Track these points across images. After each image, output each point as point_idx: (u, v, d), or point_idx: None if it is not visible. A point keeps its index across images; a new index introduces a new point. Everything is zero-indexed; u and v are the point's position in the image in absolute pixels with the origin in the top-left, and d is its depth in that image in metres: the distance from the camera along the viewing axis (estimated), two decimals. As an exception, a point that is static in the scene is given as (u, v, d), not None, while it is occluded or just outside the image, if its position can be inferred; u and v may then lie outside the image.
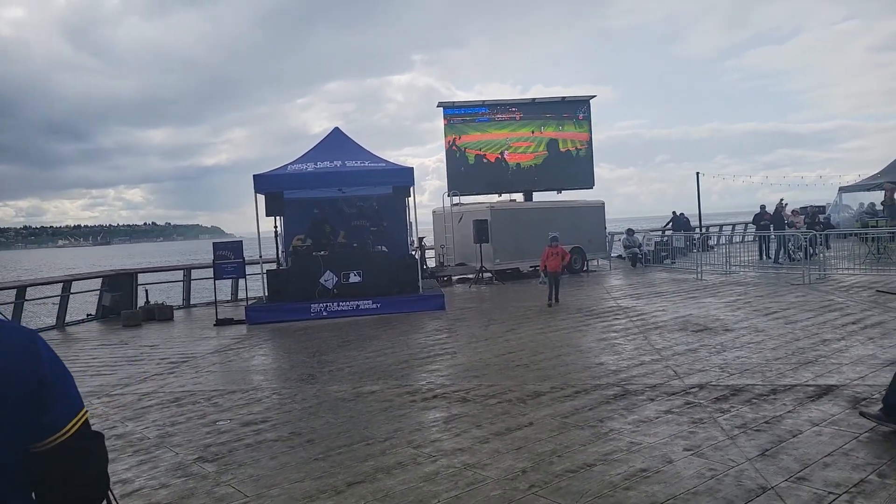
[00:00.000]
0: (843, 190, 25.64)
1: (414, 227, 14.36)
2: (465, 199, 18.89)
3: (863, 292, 11.26)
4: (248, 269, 13.75)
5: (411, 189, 13.39)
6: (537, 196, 20.37)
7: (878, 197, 20.34)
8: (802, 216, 20.13)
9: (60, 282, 13.99)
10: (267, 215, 12.94)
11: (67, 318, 13.63)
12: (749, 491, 3.57)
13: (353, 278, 12.66)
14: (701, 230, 23.45)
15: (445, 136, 19.59)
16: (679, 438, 4.47)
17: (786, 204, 18.85)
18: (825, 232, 17.74)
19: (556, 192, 20.40)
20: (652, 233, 22.55)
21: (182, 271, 16.49)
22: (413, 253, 14.54)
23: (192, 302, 15.94)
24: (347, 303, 12.24)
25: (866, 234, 16.75)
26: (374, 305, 12.26)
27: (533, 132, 20.17)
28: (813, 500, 3.43)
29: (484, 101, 20.25)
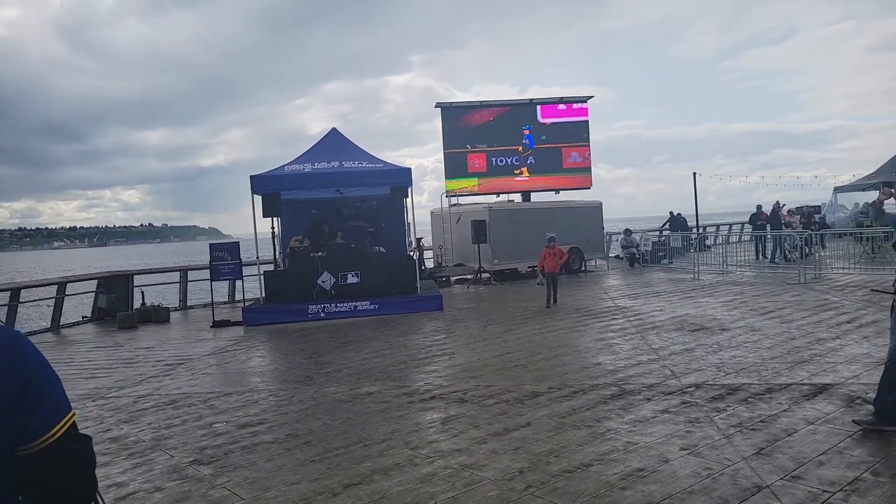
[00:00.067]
0: (838, 190, 25.71)
1: (412, 228, 14.35)
2: (464, 200, 18.90)
3: (857, 291, 11.32)
4: (246, 271, 13.73)
5: (409, 189, 13.38)
6: (535, 196, 20.42)
7: (872, 197, 20.40)
8: (798, 216, 20.17)
9: (55, 284, 13.92)
10: (264, 216, 12.91)
11: (62, 321, 13.55)
12: (745, 490, 3.58)
13: (351, 279, 12.64)
14: (698, 230, 23.49)
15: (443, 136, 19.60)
16: (675, 438, 4.49)
17: (783, 205, 18.93)
18: (820, 232, 17.80)
19: (553, 192, 20.45)
20: (649, 233, 22.58)
21: (178, 273, 16.43)
22: (411, 253, 14.52)
23: (188, 303, 15.88)
24: (345, 304, 12.22)
25: (861, 233, 16.82)
26: (372, 306, 12.25)
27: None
28: (808, 498, 3.45)
29: (482, 101, 20.29)
